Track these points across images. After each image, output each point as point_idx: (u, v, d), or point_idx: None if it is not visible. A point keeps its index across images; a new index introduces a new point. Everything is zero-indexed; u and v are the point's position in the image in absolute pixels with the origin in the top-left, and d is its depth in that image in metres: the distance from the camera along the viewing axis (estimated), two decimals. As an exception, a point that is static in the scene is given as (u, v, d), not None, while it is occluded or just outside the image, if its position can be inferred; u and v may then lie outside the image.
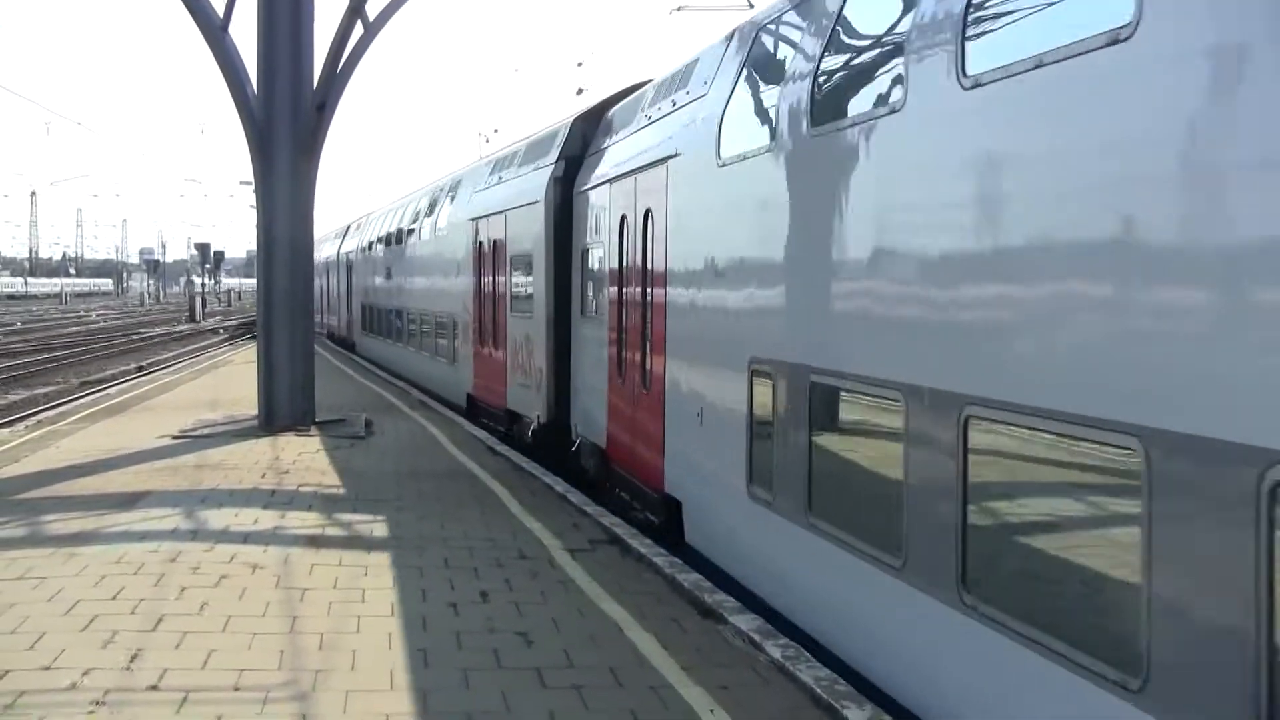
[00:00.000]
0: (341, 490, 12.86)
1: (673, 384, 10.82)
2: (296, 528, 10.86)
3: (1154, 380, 4.53)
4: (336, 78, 17.99)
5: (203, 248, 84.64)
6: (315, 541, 10.34)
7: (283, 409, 17.79)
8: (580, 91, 33.85)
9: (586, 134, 15.68)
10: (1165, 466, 4.42)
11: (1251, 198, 4.13)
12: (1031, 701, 5.27)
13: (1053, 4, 5.66)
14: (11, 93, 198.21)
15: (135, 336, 55.97)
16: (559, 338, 15.52)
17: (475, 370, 20.36)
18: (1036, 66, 5.33)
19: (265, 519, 11.16)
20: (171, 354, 45.00)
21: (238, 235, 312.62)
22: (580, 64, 75.76)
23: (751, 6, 17.97)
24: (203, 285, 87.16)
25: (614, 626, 7.99)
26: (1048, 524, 5.49)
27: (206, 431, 17.27)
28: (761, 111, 9.09)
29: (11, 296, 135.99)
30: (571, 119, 16.33)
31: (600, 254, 13.66)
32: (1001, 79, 5.63)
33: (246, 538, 10.34)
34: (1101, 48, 4.88)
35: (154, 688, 6.57)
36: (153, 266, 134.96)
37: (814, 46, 8.04)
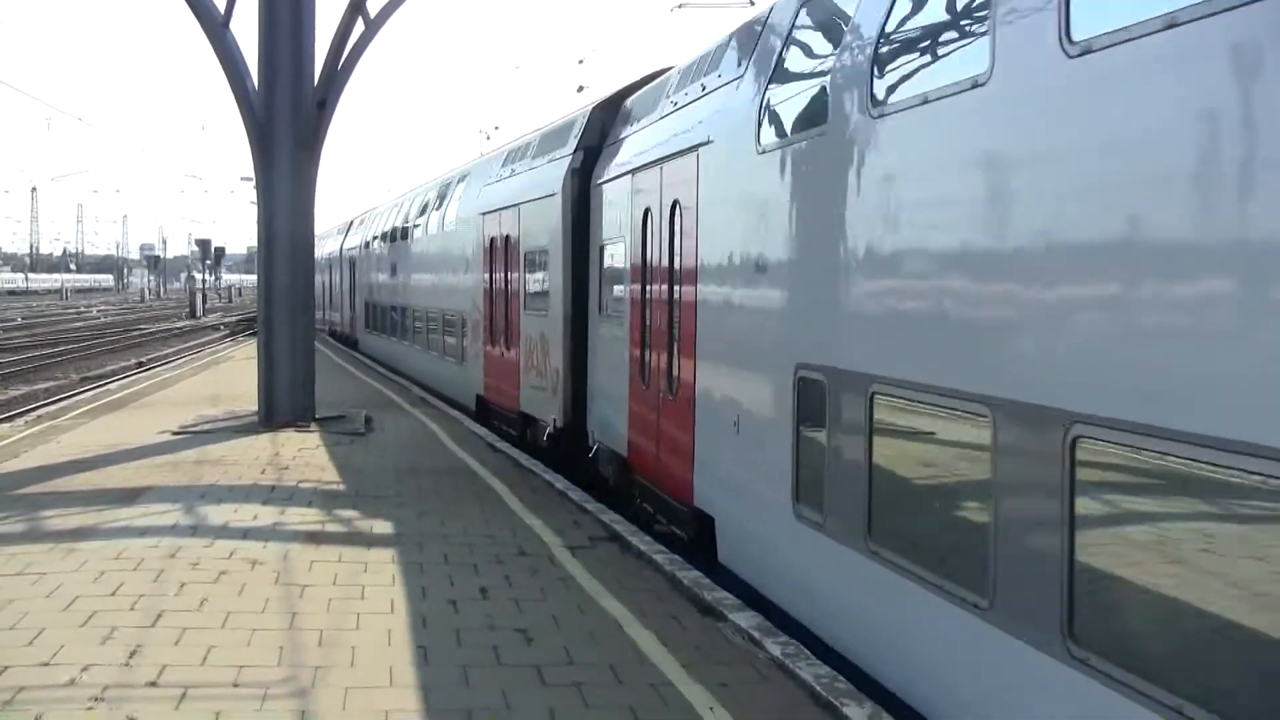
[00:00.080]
0: (341, 486, 12.85)
1: (704, 389, 10.01)
2: (296, 524, 10.85)
3: None
4: (337, 74, 17.99)
5: (203, 244, 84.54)
6: (315, 538, 10.33)
7: (283, 405, 17.80)
8: (581, 89, 33.91)
9: (605, 124, 14.88)
10: None
11: None
12: None
13: None
14: (12, 88, 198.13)
15: (136, 332, 55.94)
16: (576, 337, 14.79)
17: (486, 370, 19.65)
18: (1168, 27, 4.46)
19: (265, 515, 11.15)
20: (172, 350, 44.98)
21: (238, 231, 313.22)
22: (581, 61, 76.05)
23: (752, 4, 17.98)
24: (203, 281, 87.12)
25: (614, 623, 7.98)
26: (1175, 563, 4.59)
27: (207, 427, 17.27)
28: (810, 92, 8.16)
29: (12, 292, 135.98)
30: (590, 107, 15.57)
31: (621, 249, 12.86)
32: (1120, 43, 4.74)
33: (246, 534, 10.34)
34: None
35: (153, 684, 6.56)
36: (153, 262, 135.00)
37: (874, 16, 7.08)
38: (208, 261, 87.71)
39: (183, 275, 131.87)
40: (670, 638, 7.66)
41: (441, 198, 24.67)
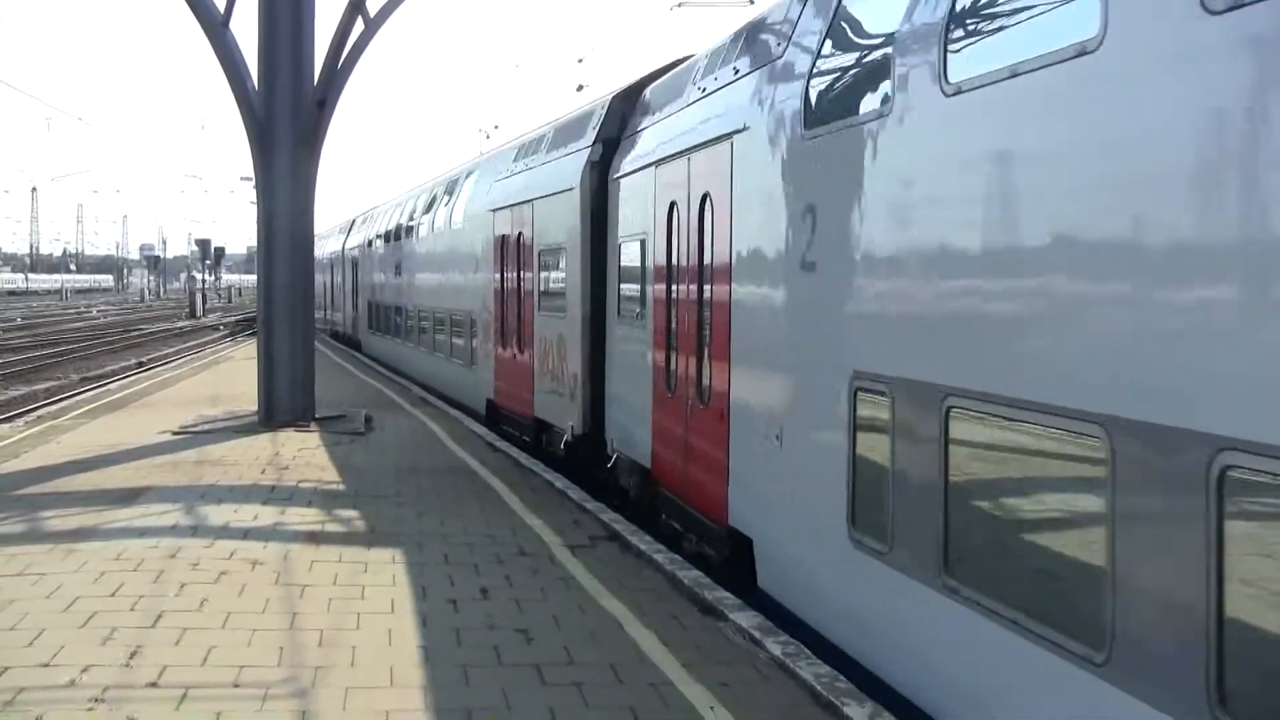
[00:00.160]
0: (341, 486, 12.84)
1: (740, 399, 9.16)
2: (296, 524, 10.85)
3: None
4: (337, 74, 17.98)
5: (203, 243, 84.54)
6: (315, 538, 10.33)
7: (283, 405, 17.80)
8: (580, 88, 33.79)
9: (625, 115, 14.00)
10: None
11: None
12: None
13: None
14: (12, 88, 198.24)
15: (136, 332, 55.95)
16: (596, 340, 13.96)
17: (497, 373, 18.82)
18: None
19: (265, 515, 11.15)
20: (172, 350, 44.99)
21: (238, 231, 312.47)
22: (581, 60, 76.01)
23: (751, 3, 17.94)
24: (203, 281, 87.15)
25: (614, 623, 7.97)
26: None
27: (207, 427, 17.27)
28: (868, 69, 7.34)
29: (12, 292, 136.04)
30: (609, 97, 14.70)
31: (643, 247, 12.03)
32: None
33: (246, 534, 10.33)
34: None
35: (153, 684, 6.56)
36: (153, 262, 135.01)
37: None
38: (208, 261, 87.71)
39: (183, 275, 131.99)
40: (671, 637, 7.66)
41: (449, 194, 24.04)
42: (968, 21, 6.08)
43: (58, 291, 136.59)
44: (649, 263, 11.77)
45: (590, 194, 14.14)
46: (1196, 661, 4.23)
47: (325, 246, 44.94)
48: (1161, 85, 4.51)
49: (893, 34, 6.77)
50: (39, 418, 19.68)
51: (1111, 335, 4.77)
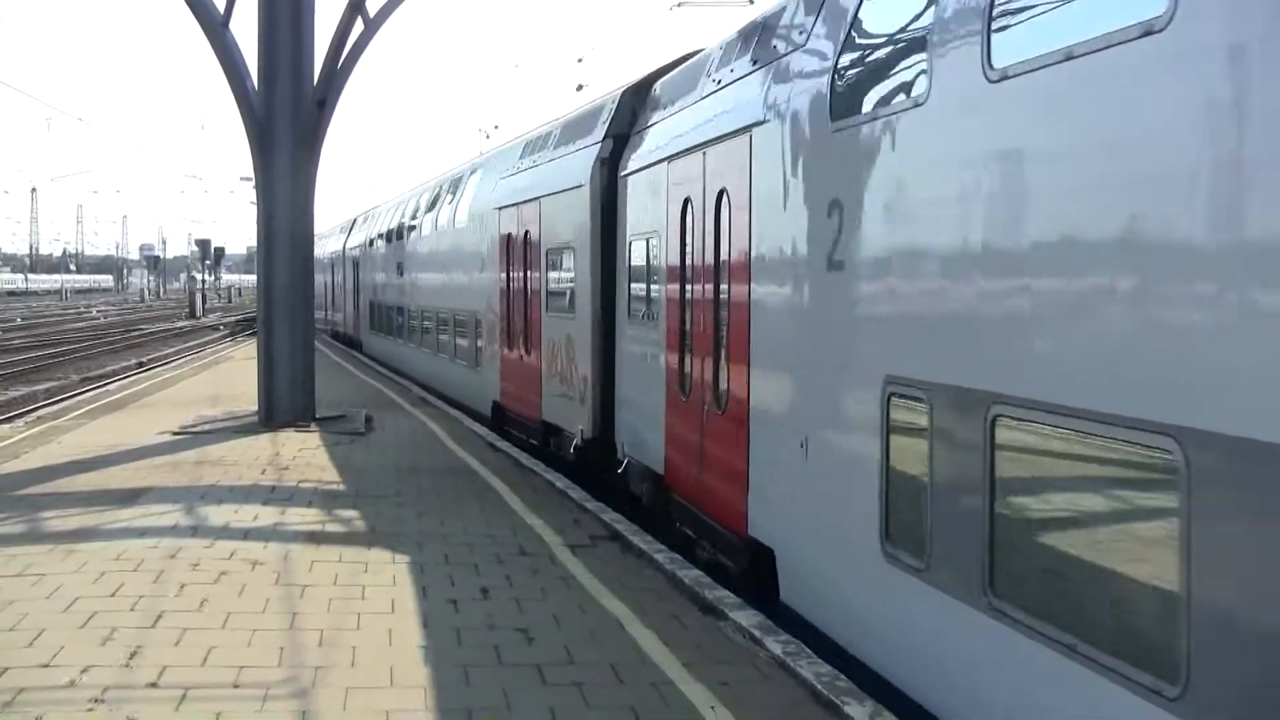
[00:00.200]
0: (341, 486, 12.84)
1: (760, 404, 8.78)
2: (296, 524, 10.84)
3: None
4: (337, 74, 17.98)
5: (203, 244, 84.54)
6: (315, 538, 10.33)
7: (283, 405, 17.80)
8: (580, 88, 33.72)
9: (635, 110, 13.65)
10: None
11: None
12: None
13: None
14: (12, 89, 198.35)
15: (136, 333, 55.96)
16: (606, 341, 13.63)
17: (503, 375, 18.45)
18: None
19: (265, 515, 11.14)
20: (172, 350, 45.00)
21: (238, 231, 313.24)
22: (580, 60, 75.96)
23: (751, 3, 17.92)
24: (203, 281, 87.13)
25: (615, 623, 7.97)
26: None
27: (207, 428, 17.27)
28: (902, 56, 6.91)
29: (12, 293, 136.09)
30: (620, 91, 14.32)
31: (655, 245, 11.67)
32: None
33: (246, 534, 10.33)
34: None
35: (153, 685, 6.55)
36: (153, 263, 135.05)
37: None
38: (207, 261, 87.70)
39: (182, 275, 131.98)
40: (671, 637, 7.65)
41: (452, 192, 23.74)
42: (1018, 4, 5.69)
43: (58, 292, 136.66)
44: (662, 261, 11.41)
45: (600, 191, 13.78)
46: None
47: (326, 246, 44.87)
48: (1239, 66, 4.09)
49: (929, 16, 6.38)
50: (39, 418, 19.69)
51: (1187, 341, 4.36)
